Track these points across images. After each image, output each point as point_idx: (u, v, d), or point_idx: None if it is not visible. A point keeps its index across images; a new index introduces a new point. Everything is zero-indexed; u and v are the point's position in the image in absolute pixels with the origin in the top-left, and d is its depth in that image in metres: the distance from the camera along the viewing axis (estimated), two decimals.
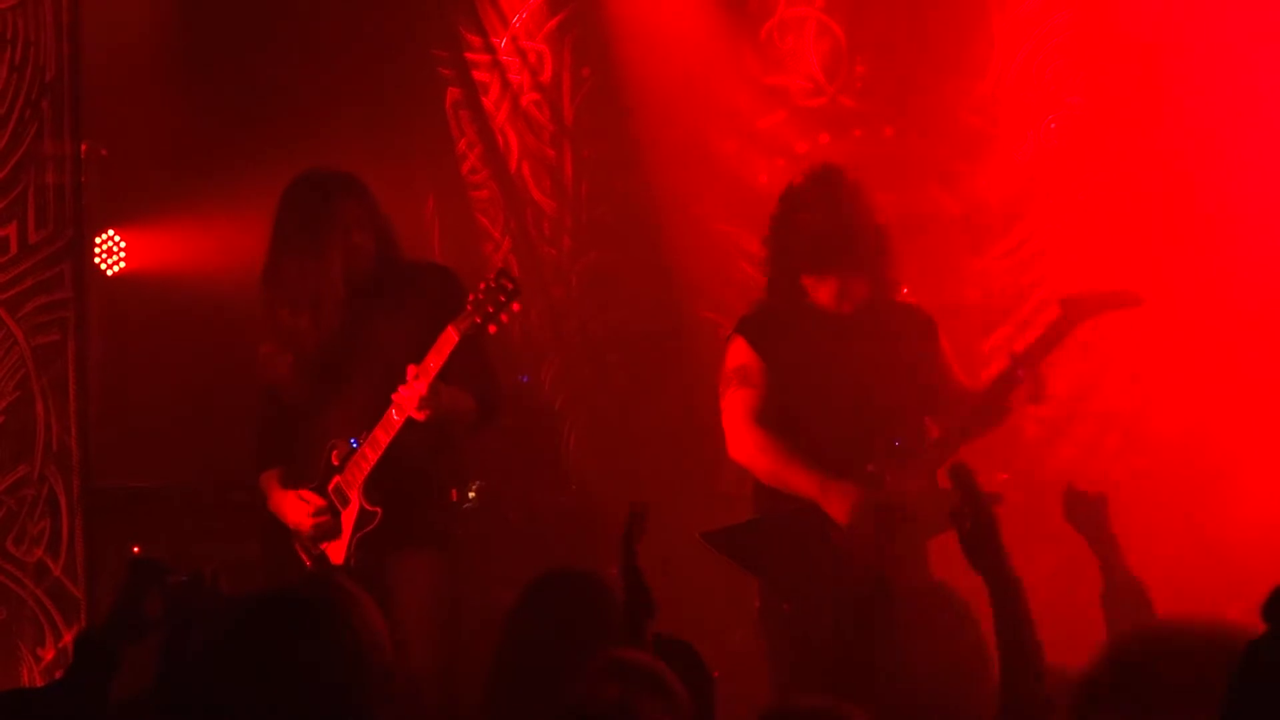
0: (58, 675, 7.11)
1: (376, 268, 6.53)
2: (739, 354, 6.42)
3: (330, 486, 6.48)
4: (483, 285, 6.39)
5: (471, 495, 8.85)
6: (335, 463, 6.48)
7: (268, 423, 6.76)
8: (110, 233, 9.66)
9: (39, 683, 7.19)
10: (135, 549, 7.88)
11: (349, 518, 6.46)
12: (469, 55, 10.28)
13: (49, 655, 7.42)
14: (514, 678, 4.78)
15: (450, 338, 6.31)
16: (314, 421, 6.62)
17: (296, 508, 6.50)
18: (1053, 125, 10.27)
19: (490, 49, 10.28)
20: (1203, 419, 9.55)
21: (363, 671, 2.85)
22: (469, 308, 6.35)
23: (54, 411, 7.47)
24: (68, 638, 7.38)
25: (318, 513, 6.44)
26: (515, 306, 6.43)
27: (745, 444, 6.36)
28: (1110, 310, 6.72)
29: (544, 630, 4.83)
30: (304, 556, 6.54)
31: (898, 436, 6.24)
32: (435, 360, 6.30)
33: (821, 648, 6.10)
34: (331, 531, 6.47)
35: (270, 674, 2.78)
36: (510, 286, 6.38)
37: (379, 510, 6.43)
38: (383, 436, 6.37)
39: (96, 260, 9.46)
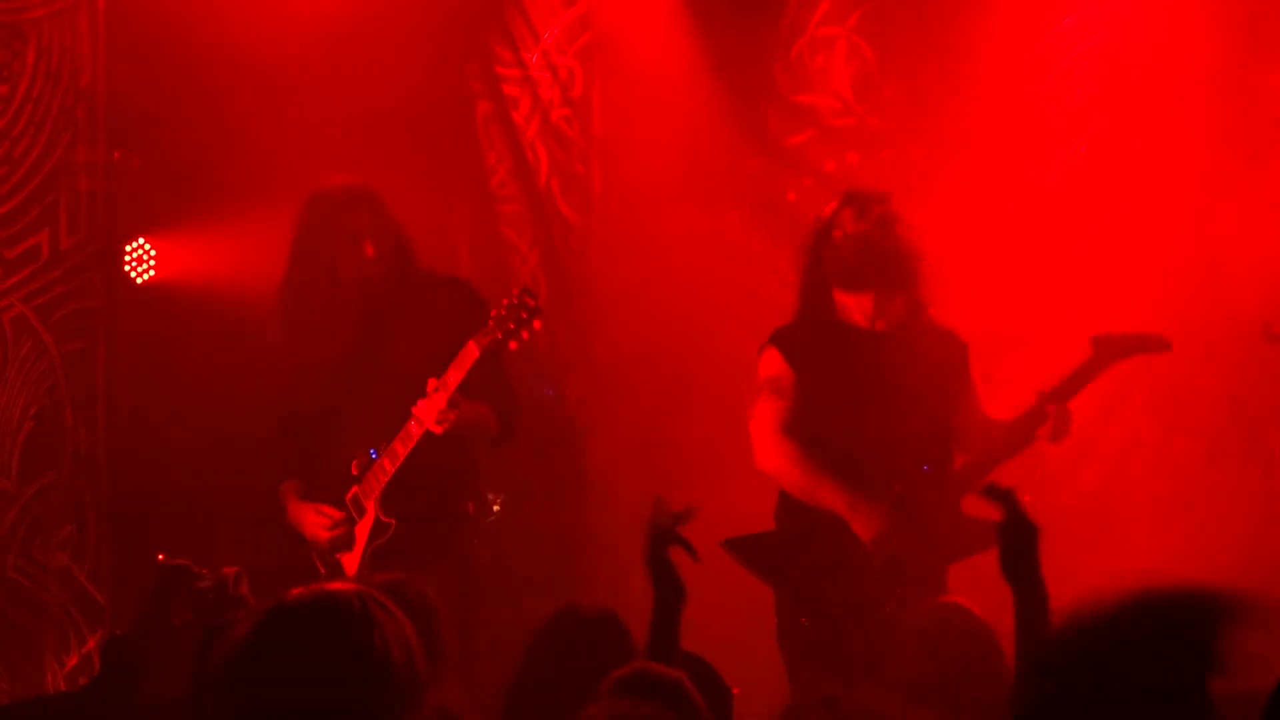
0: (82, 681, 7.15)
1: (391, 278, 6.54)
2: (772, 364, 6.42)
3: (348, 497, 6.49)
4: (505, 302, 6.42)
5: (495, 509, 8.87)
6: (354, 473, 6.49)
7: (285, 433, 6.77)
8: (140, 241, 9.69)
9: (62, 688, 7.22)
10: (160, 556, 7.91)
11: (364, 529, 6.47)
12: (500, 69, 10.31)
13: (73, 661, 7.45)
14: (528, 713, 4.79)
15: (471, 352, 6.34)
16: (332, 432, 6.63)
17: (314, 520, 6.52)
18: (1083, 150, 10.27)
19: (521, 64, 10.31)
20: (1224, 445, 9.54)
21: (392, 681, 2.86)
22: (491, 323, 6.37)
23: (82, 418, 7.52)
24: (91, 644, 7.41)
25: (334, 525, 6.44)
26: (537, 324, 6.47)
27: (775, 454, 6.36)
28: (1141, 354, 6.78)
29: (557, 673, 4.83)
30: (320, 567, 6.55)
31: (927, 461, 6.24)
32: (455, 374, 6.33)
33: (839, 662, 6.12)
34: (347, 543, 6.47)
35: (297, 679, 2.79)
36: (532, 304, 6.41)
37: (393, 522, 6.45)
38: (401, 448, 6.38)
39: (126, 268, 9.50)
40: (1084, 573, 8.59)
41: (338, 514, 6.45)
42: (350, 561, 6.49)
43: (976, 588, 7.55)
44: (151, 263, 9.69)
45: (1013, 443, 6.31)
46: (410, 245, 6.64)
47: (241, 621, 2.88)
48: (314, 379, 6.59)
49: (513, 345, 6.45)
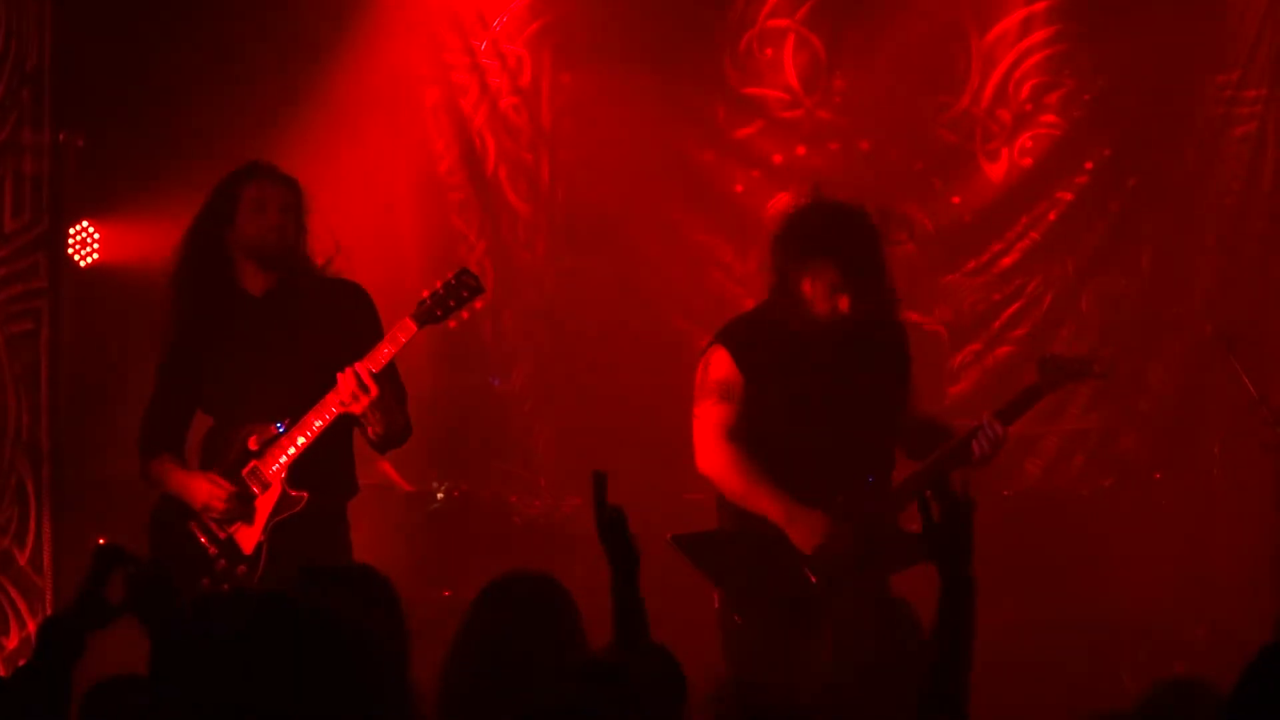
0: (21, 664, 7.11)
1: (292, 260, 6.48)
2: (721, 366, 6.37)
3: (245, 471, 6.39)
4: (441, 283, 6.41)
5: (440, 496, 8.86)
6: (253, 448, 6.39)
7: (164, 405, 6.62)
8: (85, 224, 9.65)
9: (2, 671, 7.18)
10: (101, 540, 7.87)
11: (266, 502, 6.39)
12: (448, 57, 10.29)
13: (12, 644, 7.42)
14: (469, 680, 4.77)
15: (407, 328, 6.31)
16: (220, 407, 6.52)
17: (208, 490, 6.35)
18: (1028, 143, 10.33)
19: (470, 51, 10.29)
20: (1169, 440, 9.62)
21: (377, 679, 2.85)
22: (429, 301, 6.36)
23: (25, 401, 7.47)
24: (32, 627, 7.37)
25: (231, 496, 6.34)
26: (478, 304, 6.45)
27: (715, 460, 6.34)
28: (1083, 380, 6.86)
29: (499, 633, 4.82)
30: (204, 541, 6.41)
31: (872, 469, 6.26)
32: (388, 349, 6.28)
33: (769, 661, 6.12)
34: (244, 516, 6.38)
35: (284, 676, 2.77)
36: (472, 283, 6.40)
37: (305, 495, 6.39)
38: (317, 421, 6.31)
39: (70, 251, 9.45)
40: (1024, 565, 8.67)
41: (232, 485, 6.34)
42: (248, 535, 6.38)
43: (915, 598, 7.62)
44: (96, 246, 9.66)
45: (952, 461, 6.30)
46: (307, 232, 6.56)
47: (224, 612, 2.84)
48: (196, 348, 6.49)
49: (451, 324, 6.44)
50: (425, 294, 6.39)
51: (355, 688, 2.77)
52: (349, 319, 6.45)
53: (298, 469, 6.36)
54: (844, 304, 6.28)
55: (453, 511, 8.87)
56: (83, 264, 9.61)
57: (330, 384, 6.27)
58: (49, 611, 7.35)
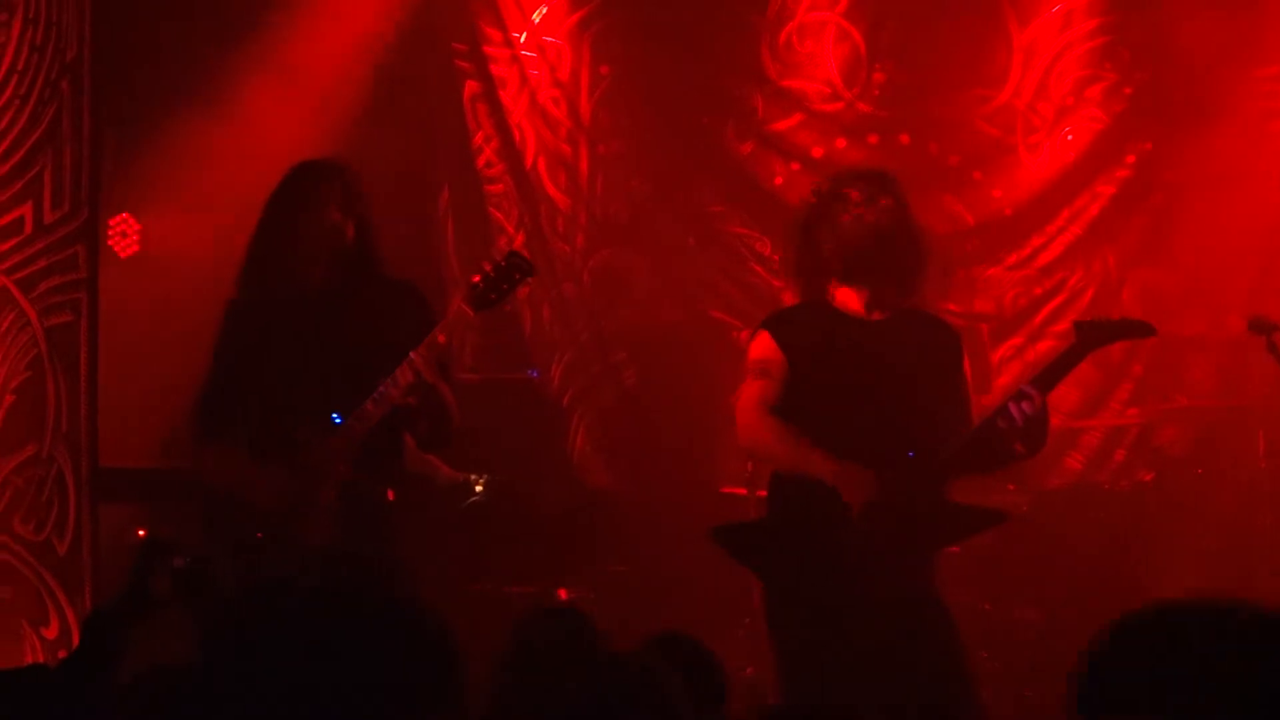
0: (61, 654, 7.13)
1: (353, 258, 6.48)
2: (762, 347, 6.34)
3: (302, 462, 6.35)
4: (490, 265, 6.35)
5: (479, 489, 8.85)
6: (309, 439, 6.36)
7: (221, 395, 6.59)
8: (124, 215, 9.67)
9: (43, 660, 7.20)
10: (141, 531, 7.88)
11: (329, 495, 6.36)
12: (488, 49, 10.28)
13: (52, 634, 7.43)
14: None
15: (463, 314, 6.27)
16: (274, 397, 6.49)
17: (267, 484, 6.33)
18: (1069, 137, 10.29)
19: (510, 43, 10.29)
20: (1211, 435, 9.56)
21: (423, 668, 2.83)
22: (480, 285, 6.31)
23: (65, 392, 7.48)
24: (72, 617, 7.38)
25: (293, 491, 6.31)
26: (528, 287, 6.42)
27: (757, 430, 6.27)
28: (1124, 340, 6.74)
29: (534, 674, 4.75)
30: (262, 535, 6.37)
31: (912, 448, 6.20)
32: (445, 335, 6.25)
33: (819, 650, 6.09)
34: (304, 509, 6.35)
35: (335, 665, 2.76)
36: (522, 265, 6.35)
37: (363, 486, 6.36)
38: (375, 411, 6.28)
39: (110, 242, 9.47)
40: (1065, 560, 8.64)
41: (293, 480, 6.30)
42: (308, 528, 6.34)
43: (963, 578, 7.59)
44: (135, 237, 9.68)
45: (993, 431, 6.22)
46: (376, 229, 6.55)
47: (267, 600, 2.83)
48: (261, 339, 6.47)
49: (507, 307, 6.40)
50: (475, 278, 6.33)
51: (407, 678, 2.75)
52: (405, 319, 6.41)
53: (355, 460, 6.33)
54: (877, 315, 6.29)
55: (491, 503, 8.86)
56: (123, 255, 9.64)
57: (381, 380, 6.25)
58: (88, 602, 7.37)
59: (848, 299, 6.32)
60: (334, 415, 6.33)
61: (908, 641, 6.07)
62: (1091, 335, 6.36)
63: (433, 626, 2.82)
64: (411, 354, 6.19)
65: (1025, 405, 6.11)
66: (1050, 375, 6.27)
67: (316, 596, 2.81)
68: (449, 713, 2.77)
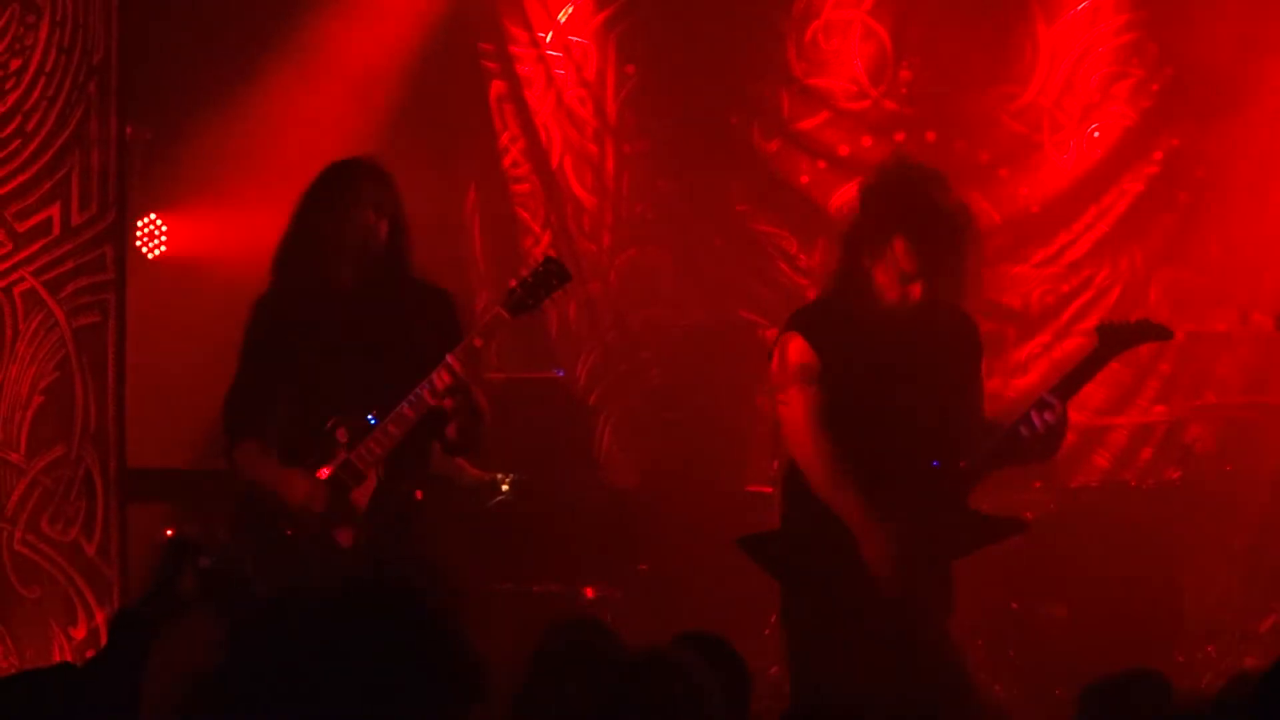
0: (89, 655, 7.15)
1: (386, 257, 6.47)
2: (800, 351, 6.28)
3: (337, 464, 6.33)
4: (528, 271, 6.36)
5: (505, 488, 8.86)
6: (343, 439, 6.35)
7: (251, 391, 6.57)
8: (152, 216, 9.71)
9: (71, 660, 7.21)
10: (169, 531, 7.90)
11: (362, 495, 6.34)
12: (514, 49, 10.30)
13: (80, 635, 7.45)
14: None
15: (501, 319, 6.26)
16: (304, 396, 6.48)
17: (305, 488, 6.31)
18: (1096, 134, 10.27)
19: (535, 43, 10.30)
20: (1237, 431, 9.54)
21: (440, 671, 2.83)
22: (519, 291, 6.31)
23: (93, 393, 7.49)
24: (100, 618, 7.40)
25: (330, 495, 6.29)
26: (564, 294, 6.42)
27: (810, 447, 6.19)
28: (1144, 343, 6.70)
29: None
30: (297, 536, 6.35)
31: (939, 451, 6.17)
32: (481, 340, 6.24)
33: (834, 664, 6.08)
34: (340, 510, 6.33)
35: (363, 666, 2.76)
36: (560, 271, 6.35)
37: (400, 487, 6.34)
38: (410, 414, 6.27)
39: (138, 243, 9.50)
40: (1092, 558, 8.61)
41: (329, 485, 6.29)
42: (345, 530, 6.33)
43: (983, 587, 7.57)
44: (163, 238, 9.72)
45: (1016, 439, 6.20)
46: (408, 230, 6.54)
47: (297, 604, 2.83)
48: (291, 337, 6.46)
49: (546, 311, 6.41)
50: (513, 283, 6.33)
51: (432, 678, 2.76)
52: (432, 323, 6.41)
53: (389, 461, 6.32)
54: (916, 292, 6.20)
55: (517, 502, 8.86)
56: (150, 256, 9.67)
57: (412, 382, 6.24)
58: (116, 603, 7.38)
59: (885, 277, 6.21)
60: (369, 417, 6.33)
61: (911, 644, 6.08)
62: (1113, 339, 6.33)
63: (453, 629, 2.83)
64: (448, 357, 6.18)
65: (1047, 414, 6.10)
66: (1072, 382, 6.24)
67: (342, 599, 2.81)
68: (468, 715, 2.78)
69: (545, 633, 4.85)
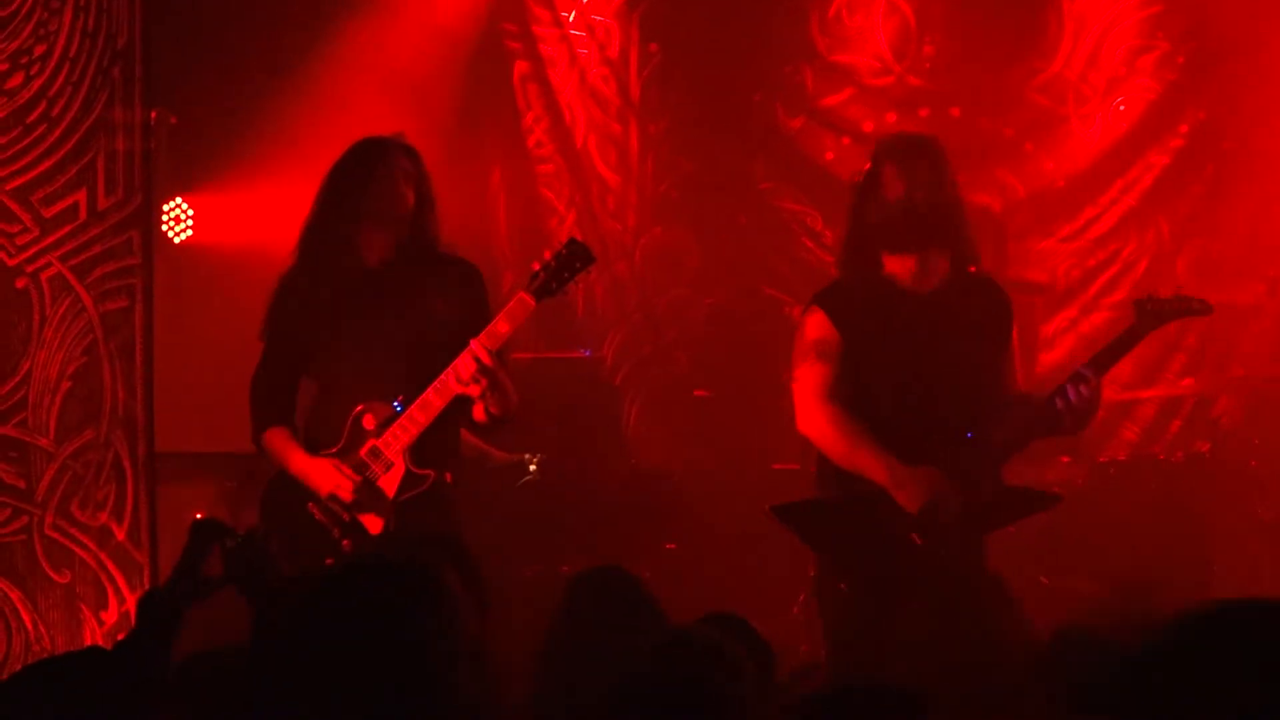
0: (120, 638, 7.18)
1: (413, 232, 6.45)
2: (818, 327, 6.30)
3: (364, 451, 6.33)
4: (550, 254, 6.34)
5: (532, 468, 8.87)
6: (369, 427, 6.34)
7: (276, 375, 6.56)
8: (178, 200, 9.73)
9: (102, 645, 7.25)
10: (198, 514, 7.92)
11: (390, 482, 6.33)
12: (537, 29, 10.30)
13: (112, 619, 7.47)
14: (564, 663, 4.75)
15: (525, 304, 6.23)
16: (328, 377, 6.46)
17: (333, 477, 6.30)
18: (1122, 107, 10.24)
19: (559, 23, 10.30)
20: (1266, 404, 9.50)
21: (456, 647, 2.84)
22: (542, 275, 6.29)
23: (121, 377, 7.51)
24: (130, 602, 7.43)
25: (359, 484, 6.28)
26: (592, 273, 6.39)
27: (817, 420, 6.25)
28: (1183, 318, 6.66)
29: (588, 633, 4.76)
30: (326, 523, 6.35)
31: (970, 425, 6.17)
32: (506, 325, 6.22)
33: (874, 628, 6.08)
34: (369, 498, 6.32)
35: (370, 645, 2.77)
36: (583, 253, 6.33)
37: (431, 473, 6.33)
38: (436, 400, 6.25)
39: (164, 228, 9.53)
40: (1121, 531, 8.60)
41: (358, 473, 6.28)
42: (374, 517, 6.33)
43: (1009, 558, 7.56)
44: (189, 222, 9.74)
45: (1050, 412, 6.19)
46: (435, 206, 6.52)
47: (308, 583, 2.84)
48: (317, 318, 6.44)
49: (571, 294, 6.36)
50: (536, 266, 6.31)
51: (448, 667, 2.77)
52: (461, 297, 6.39)
53: (417, 447, 6.31)
54: (927, 285, 6.26)
55: (544, 483, 8.87)
56: (176, 240, 9.70)
57: (439, 360, 6.23)
58: (147, 586, 7.41)
59: (898, 270, 6.29)
60: (395, 404, 6.32)
61: (960, 618, 6.06)
62: (1151, 315, 6.32)
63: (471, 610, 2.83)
64: (472, 343, 6.15)
65: (1083, 388, 6.10)
66: (1107, 357, 6.24)
67: (365, 580, 2.82)
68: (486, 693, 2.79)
69: (573, 584, 4.86)
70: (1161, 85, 10.17)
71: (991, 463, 6.18)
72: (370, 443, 6.31)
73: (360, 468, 6.30)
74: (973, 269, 6.39)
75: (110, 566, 7.48)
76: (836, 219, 10.11)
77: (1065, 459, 8.70)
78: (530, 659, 4.72)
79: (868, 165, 6.45)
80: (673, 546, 8.91)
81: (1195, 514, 8.71)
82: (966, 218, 6.36)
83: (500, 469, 8.89)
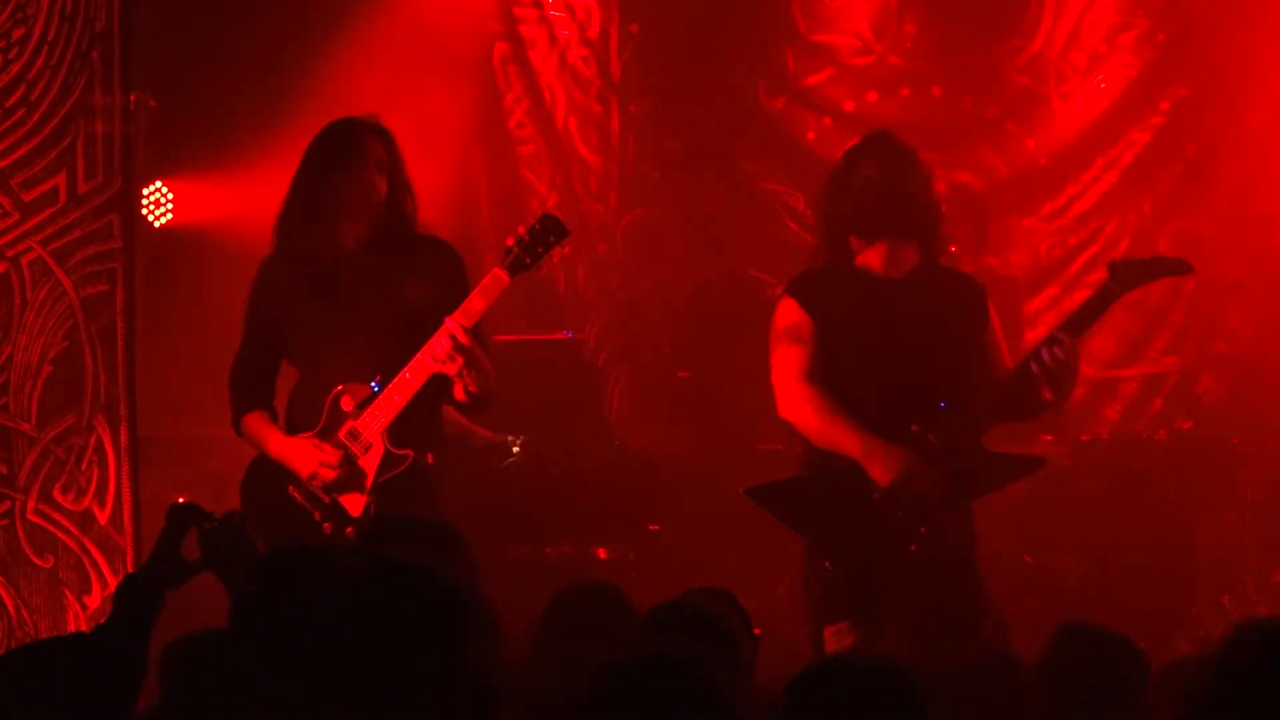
0: (102, 622, 7.17)
1: (387, 215, 6.43)
2: (788, 313, 6.35)
3: (343, 433, 6.32)
4: (524, 228, 6.33)
5: (516, 450, 8.86)
6: (347, 408, 6.33)
7: (255, 360, 6.56)
8: (158, 184, 9.70)
9: (84, 630, 7.24)
10: (180, 498, 7.91)
11: (370, 463, 6.32)
12: (516, 10, 10.28)
13: (95, 603, 7.47)
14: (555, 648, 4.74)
15: (499, 279, 6.22)
16: (307, 361, 6.46)
17: (314, 457, 6.30)
18: (1102, 85, 10.24)
19: (538, 4, 10.28)
20: (1248, 381, 9.53)
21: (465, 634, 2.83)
22: (515, 249, 6.28)
23: (102, 362, 7.50)
24: (114, 586, 7.42)
25: (340, 463, 6.27)
26: (566, 248, 6.37)
27: (795, 401, 6.28)
28: (1161, 279, 6.65)
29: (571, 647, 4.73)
30: (307, 506, 6.34)
31: (943, 399, 6.19)
32: (481, 302, 6.21)
33: (860, 606, 6.11)
34: (350, 479, 6.32)
35: (366, 629, 2.76)
36: (556, 227, 6.31)
37: (410, 453, 6.32)
38: (413, 380, 6.24)
39: (144, 211, 9.50)
40: (1104, 509, 8.62)
41: (336, 450, 6.28)
42: (354, 498, 6.33)
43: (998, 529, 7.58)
44: (169, 206, 9.72)
45: (1027, 375, 6.19)
46: (410, 188, 6.51)
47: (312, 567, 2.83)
48: (295, 302, 6.43)
49: (543, 270, 6.34)
50: (509, 241, 6.30)
51: (440, 642, 2.76)
52: (438, 276, 6.38)
53: (396, 427, 6.30)
54: (897, 272, 6.30)
55: (528, 464, 8.87)
56: (157, 224, 9.68)
57: (418, 340, 6.22)
58: (130, 570, 7.40)
59: (869, 259, 6.33)
60: (373, 385, 6.31)
61: (939, 592, 6.10)
62: (1125, 276, 6.28)
63: (450, 590, 2.83)
64: (447, 320, 6.14)
65: (1057, 350, 6.10)
66: (1081, 318, 6.23)
67: (345, 564, 2.82)
68: (472, 674, 2.78)
69: (557, 599, 4.85)
70: (1142, 63, 10.17)
71: (970, 430, 6.19)
72: (349, 424, 6.30)
73: (340, 449, 6.30)
74: (944, 261, 6.42)
75: (93, 551, 7.47)
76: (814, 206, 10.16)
77: (1048, 438, 8.71)
78: (516, 643, 4.72)
79: (842, 155, 6.49)
80: (656, 528, 8.91)
81: (1178, 491, 8.73)
82: (939, 211, 6.38)
83: (485, 449, 8.89)
